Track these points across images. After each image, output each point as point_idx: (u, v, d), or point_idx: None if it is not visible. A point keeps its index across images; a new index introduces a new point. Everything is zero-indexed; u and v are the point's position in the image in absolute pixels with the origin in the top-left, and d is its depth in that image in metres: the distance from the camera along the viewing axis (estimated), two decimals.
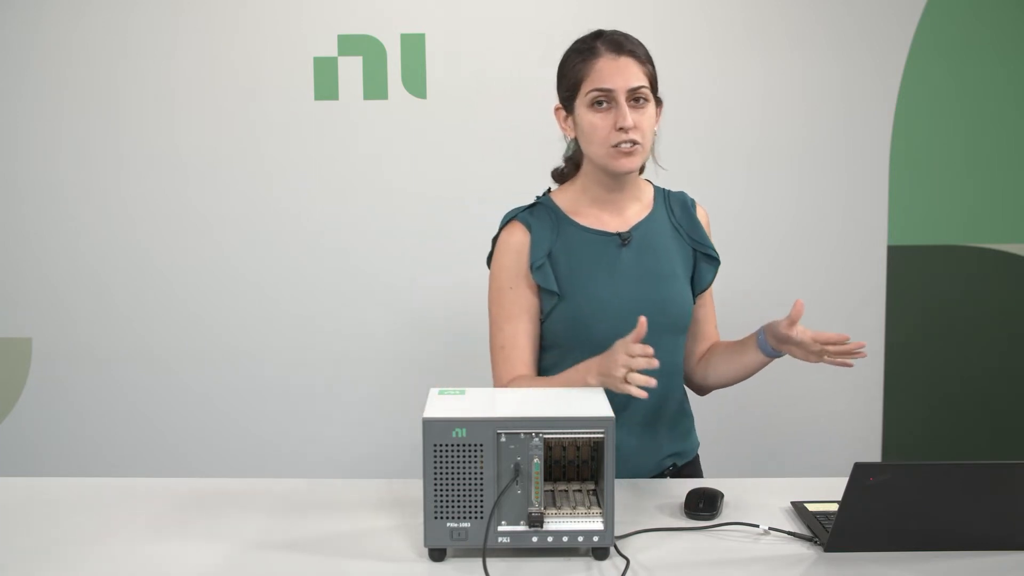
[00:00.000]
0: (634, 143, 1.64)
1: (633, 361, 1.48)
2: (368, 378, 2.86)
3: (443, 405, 1.37)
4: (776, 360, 2.94)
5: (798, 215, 2.82)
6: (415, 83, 2.78)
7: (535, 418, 1.31)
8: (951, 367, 2.87)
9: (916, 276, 2.84)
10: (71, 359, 2.87)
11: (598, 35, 1.72)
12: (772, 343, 1.69)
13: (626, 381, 1.47)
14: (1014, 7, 2.75)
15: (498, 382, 1.73)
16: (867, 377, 2.86)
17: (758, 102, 2.78)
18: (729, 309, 2.84)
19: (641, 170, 1.82)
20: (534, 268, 1.70)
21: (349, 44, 2.76)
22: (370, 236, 2.83)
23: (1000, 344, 2.87)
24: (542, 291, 1.71)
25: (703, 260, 1.79)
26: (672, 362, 1.75)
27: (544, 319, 1.73)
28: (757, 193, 2.81)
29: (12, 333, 2.88)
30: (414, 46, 2.76)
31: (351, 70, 2.77)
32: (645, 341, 1.64)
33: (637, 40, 1.71)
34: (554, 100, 2.73)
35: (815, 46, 2.76)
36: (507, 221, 1.77)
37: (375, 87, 2.77)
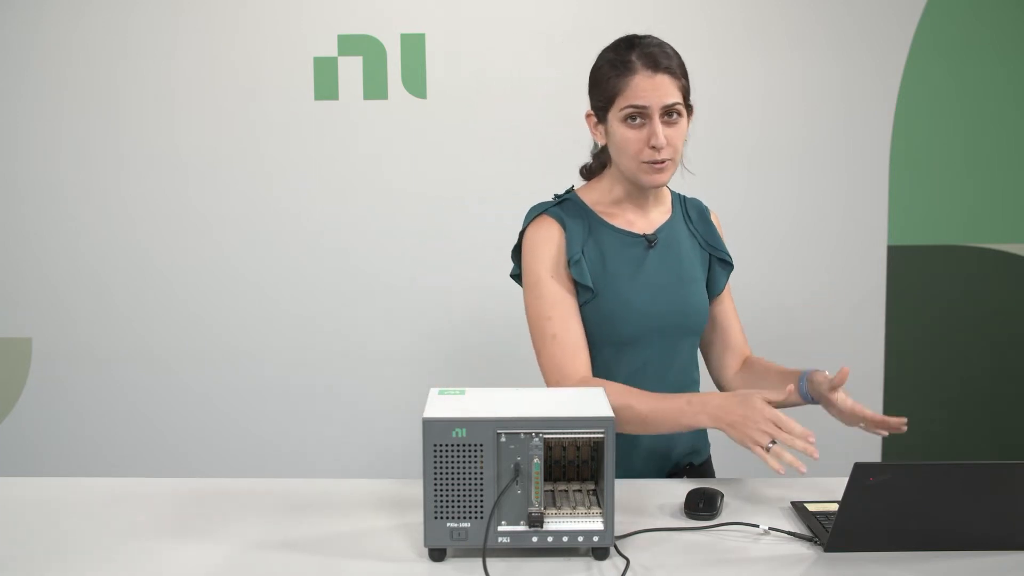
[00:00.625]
0: (665, 160, 1.65)
1: (786, 436, 1.44)
2: (368, 378, 2.87)
3: (443, 405, 1.37)
4: (775, 359, 2.94)
5: (798, 215, 2.82)
6: (415, 83, 2.78)
7: (535, 418, 1.31)
8: (951, 367, 2.87)
9: (916, 276, 2.84)
10: (71, 359, 2.88)
11: (632, 45, 1.68)
12: (813, 394, 1.68)
13: (766, 449, 1.44)
14: (1014, 7, 2.75)
15: (556, 374, 1.66)
16: (867, 377, 2.87)
17: (758, 102, 2.78)
18: None
19: None
20: (571, 263, 1.69)
21: (349, 44, 2.76)
22: (370, 236, 2.83)
23: (1000, 344, 2.87)
24: (579, 287, 1.70)
25: (717, 264, 1.82)
26: (692, 363, 1.80)
27: None
28: (757, 193, 2.81)
29: (12, 333, 2.88)
30: (414, 46, 2.76)
31: (351, 70, 2.77)
32: (667, 344, 1.71)
33: (672, 51, 1.69)
34: (557, 100, 2.76)
35: (815, 46, 2.76)
36: (536, 215, 1.74)
37: (375, 87, 2.77)
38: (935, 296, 2.85)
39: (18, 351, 2.88)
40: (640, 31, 2.86)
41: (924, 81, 2.77)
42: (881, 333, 2.85)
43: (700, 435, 1.85)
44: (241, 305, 2.86)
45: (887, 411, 2.88)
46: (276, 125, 2.80)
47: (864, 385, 2.87)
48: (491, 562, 1.29)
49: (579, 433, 1.32)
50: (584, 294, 1.69)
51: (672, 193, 1.84)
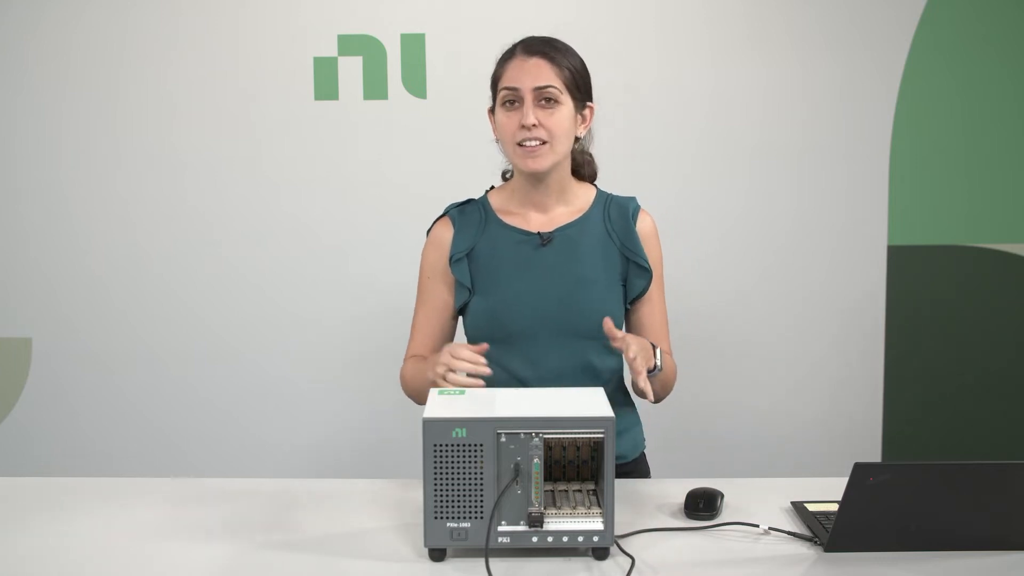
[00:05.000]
0: (541, 142, 1.67)
1: (454, 362, 1.52)
2: (368, 378, 2.86)
3: (443, 405, 1.37)
4: (775, 359, 2.95)
5: (798, 215, 2.82)
6: (415, 83, 2.78)
7: (535, 418, 1.31)
8: (951, 367, 2.87)
9: (916, 276, 2.84)
10: (71, 359, 2.87)
11: (523, 40, 1.76)
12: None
13: (444, 379, 1.51)
14: (1014, 7, 2.75)
15: (407, 350, 1.84)
16: (867, 377, 2.87)
17: (758, 102, 2.78)
18: (729, 309, 2.86)
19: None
20: (452, 261, 1.76)
21: (349, 44, 2.76)
22: (370, 236, 2.83)
23: (1000, 344, 2.87)
24: (458, 285, 1.76)
25: (635, 268, 1.76)
26: (587, 366, 1.72)
27: (462, 312, 1.79)
28: (757, 193, 2.81)
29: (12, 333, 2.88)
30: (414, 46, 2.76)
31: (351, 70, 2.77)
32: (560, 344, 1.70)
33: (564, 46, 1.73)
34: None
35: (815, 46, 2.76)
36: (440, 215, 1.84)
37: (375, 87, 2.77)
38: (935, 296, 2.85)
39: (18, 351, 2.88)
40: (640, 32, 2.87)
41: (924, 81, 2.77)
42: (881, 333, 2.85)
43: (621, 438, 1.78)
44: (241, 305, 2.86)
45: (887, 411, 2.88)
46: (276, 125, 2.79)
47: (864, 385, 2.87)
48: (491, 562, 1.29)
49: (579, 433, 1.32)
50: (462, 292, 1.76)
51: (599, 194, 1.81)
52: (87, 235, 2.84)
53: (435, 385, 1.52)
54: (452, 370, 1.52)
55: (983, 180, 2.81)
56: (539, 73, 1.67)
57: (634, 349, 1.51)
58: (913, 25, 2.75)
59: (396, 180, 2.81)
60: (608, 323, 1.56)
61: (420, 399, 1.69)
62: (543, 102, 1.67)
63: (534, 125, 1.66)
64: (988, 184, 2.81)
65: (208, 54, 2.78)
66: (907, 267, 2.83)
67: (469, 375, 1.52)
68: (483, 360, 1.52)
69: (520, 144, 1.68)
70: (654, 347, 1.66)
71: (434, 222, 1.84)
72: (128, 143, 2.81)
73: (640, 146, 2.77)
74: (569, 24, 2.75)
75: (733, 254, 2.83)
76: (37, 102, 2.80)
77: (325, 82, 2.77)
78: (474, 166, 2.77)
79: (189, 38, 2.77)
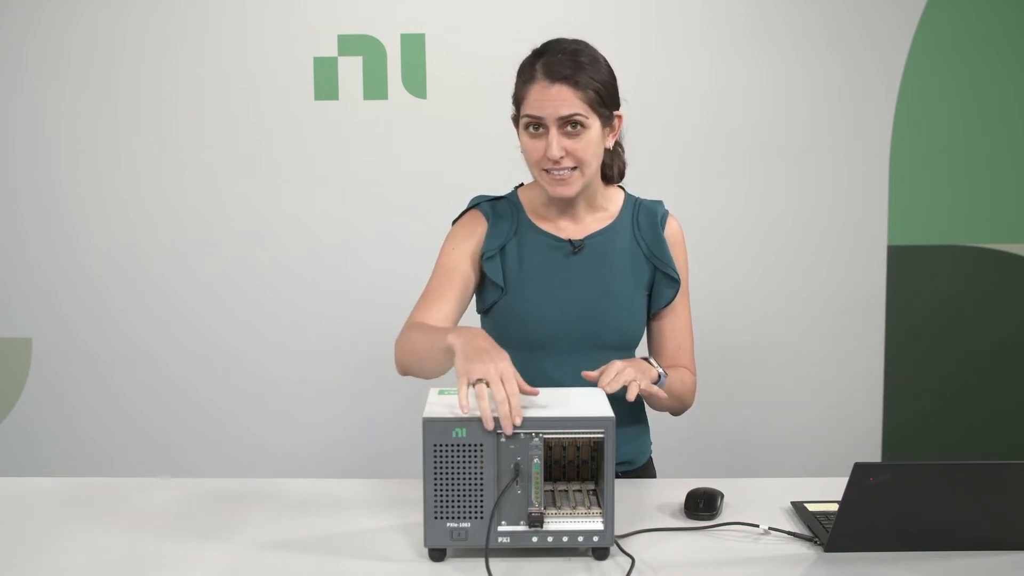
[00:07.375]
0: (569, 168, 1.61)
1: (496, 390, 1.31)
2: (368, 378, 2.86)
3: (443, 405, 1.37)
4: (775, 359, 2.95)
5: (798, 215, 2.82)
6: (415, 83, 2.78)
7: (535, 418, 1.31)
8: (951, 367, 2.87)
9: (916, 276, 2.84)
10: (71, 359, 2.88)
11: (542, 53, 1.64)
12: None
13: (471, 384, 1.33)
14: (1014, 7, 2.75)
15: (410, 317, 1.72)
16: (867, 377, 2.87)
17: (758, 102, 2.78)
18: (729, 309, 2.86)
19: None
20: (485, 258, 1.72)
21: (349, 44, 2.76)
22: (370, 236, 2.83)
23: (1000, 344, 2.87)
24: (490, 283, 1.72)
25: (662, 278, 1.75)
26: None
27: (488, 310, 1.75)
28: (757, 193, 2.81)
29: (12, 333, 2.88)
30: (414, 46, 2.76)
31: (351, 70, 2.77)
32: (584, 355, 1.64)
33: (588, 58, 1.61)
34: None
35: (815, 46, 2.76)
36: (472, 205, 1.80)
37: (375, 87, 2.77)
38: (935, 296, 2.85)
39: (18, 351, 2.88)
40: (640, 32, 2.87)
41: (924, 81, 2.77)
42: (881, 333, 2.85)
43: (633, 443, 1.78)
44: (241, 305, 2.86)
45: (887, 411, 2.88)
46: (276, 125, 2.80)
47: (864, 385, 2.87)
48: (492, 562, 1.29)
49: (579, 433, 1.32)
50: (494, 291, 1.72)
51: (627, 197, 1.79)
52: (87, 235, 2.84)
53: (448, 361, 1.41)
54: (486, 383, 1.33)
55: (983, 180, 2.81)
56: (562, 102, 1.57)
57: (614, 369, 1.49)
58: (913, 25, 2.75)
59: (396, 180, 2.81)
60: (585, 375, 1.52)
61: (416, 368, 1.63)
62: (569, 128, 1.59)
63: (561, 157, 1.59)
64: (988, 184, 2.81)
65: (208, 54, 2.78)
66: (907, 267, 2.83)
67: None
68: (519, 410, 1.30)
69: (547, 171, 1.62)
70: (646, 359, 1.65)
71: (462, 213, 1.79)
72: (128, 143, 2.81)
73: (640, 146, 2.76)
74: (569, 24, 2.74)
75: (733, 254, 2.83)
76: (37, 102, 2.80)
77: (325, 82, 2.77)
78: (474, 166, 2.79)
79: (189, 38, 2.77)
